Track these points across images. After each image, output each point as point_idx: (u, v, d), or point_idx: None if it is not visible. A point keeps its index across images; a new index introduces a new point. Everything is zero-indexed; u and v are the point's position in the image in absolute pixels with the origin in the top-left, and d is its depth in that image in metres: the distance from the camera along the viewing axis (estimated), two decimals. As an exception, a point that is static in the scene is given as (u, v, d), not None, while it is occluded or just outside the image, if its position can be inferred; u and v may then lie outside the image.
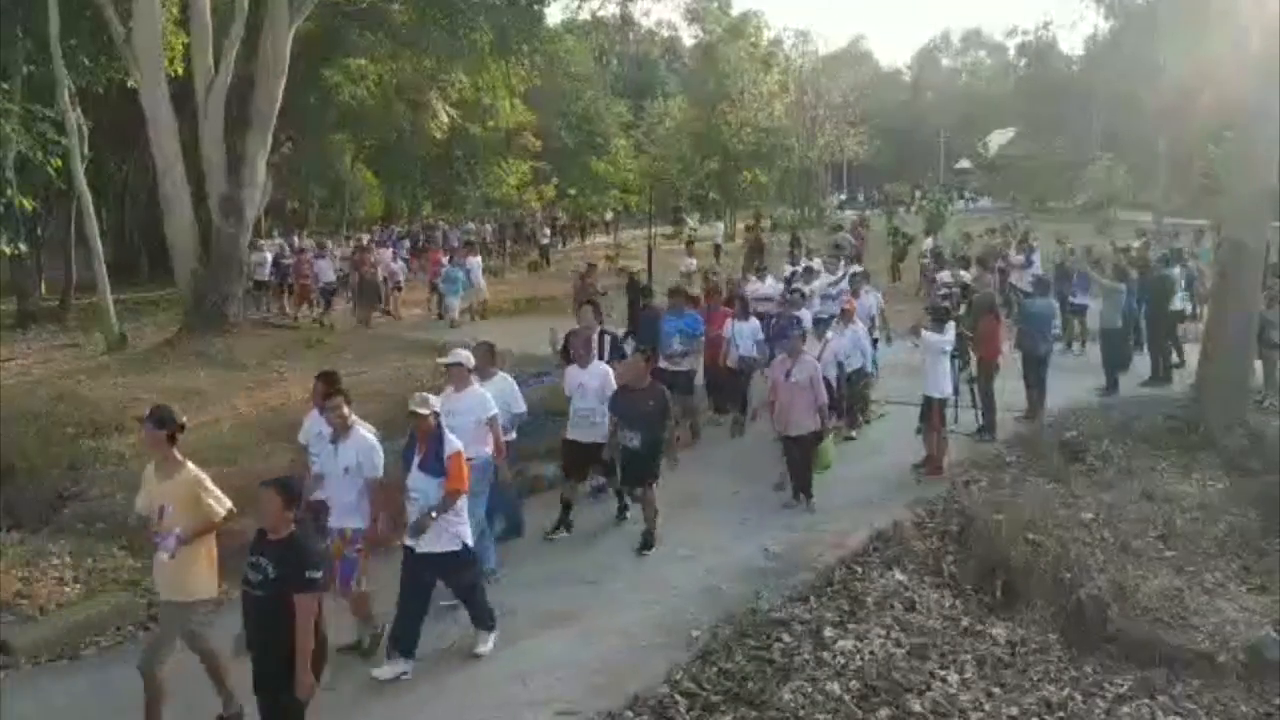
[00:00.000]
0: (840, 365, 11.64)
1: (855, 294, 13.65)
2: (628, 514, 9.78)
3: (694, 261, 17.55)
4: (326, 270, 23.76)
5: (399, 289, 24.48)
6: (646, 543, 9.08)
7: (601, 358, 10.22)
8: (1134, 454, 11.71)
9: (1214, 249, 16.13)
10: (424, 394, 7.36)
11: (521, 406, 9.00)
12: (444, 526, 6.79)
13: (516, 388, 9.08)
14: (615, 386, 9.40)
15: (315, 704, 5.54)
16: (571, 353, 10.11)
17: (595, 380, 9.56)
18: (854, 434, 12.35)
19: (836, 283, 15.22)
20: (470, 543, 7.04)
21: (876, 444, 12.32)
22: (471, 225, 38.24)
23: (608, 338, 10.67)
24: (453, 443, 6.92)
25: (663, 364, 11.65)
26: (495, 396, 8.42)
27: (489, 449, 8.14)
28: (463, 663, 7.08)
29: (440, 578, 7.02)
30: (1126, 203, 45.66)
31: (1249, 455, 11.54)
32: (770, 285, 15.87)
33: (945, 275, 18.61)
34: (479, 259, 24.34)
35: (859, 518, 9.79)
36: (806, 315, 13.12)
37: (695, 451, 11.88)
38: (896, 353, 14.45)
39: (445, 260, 23.87)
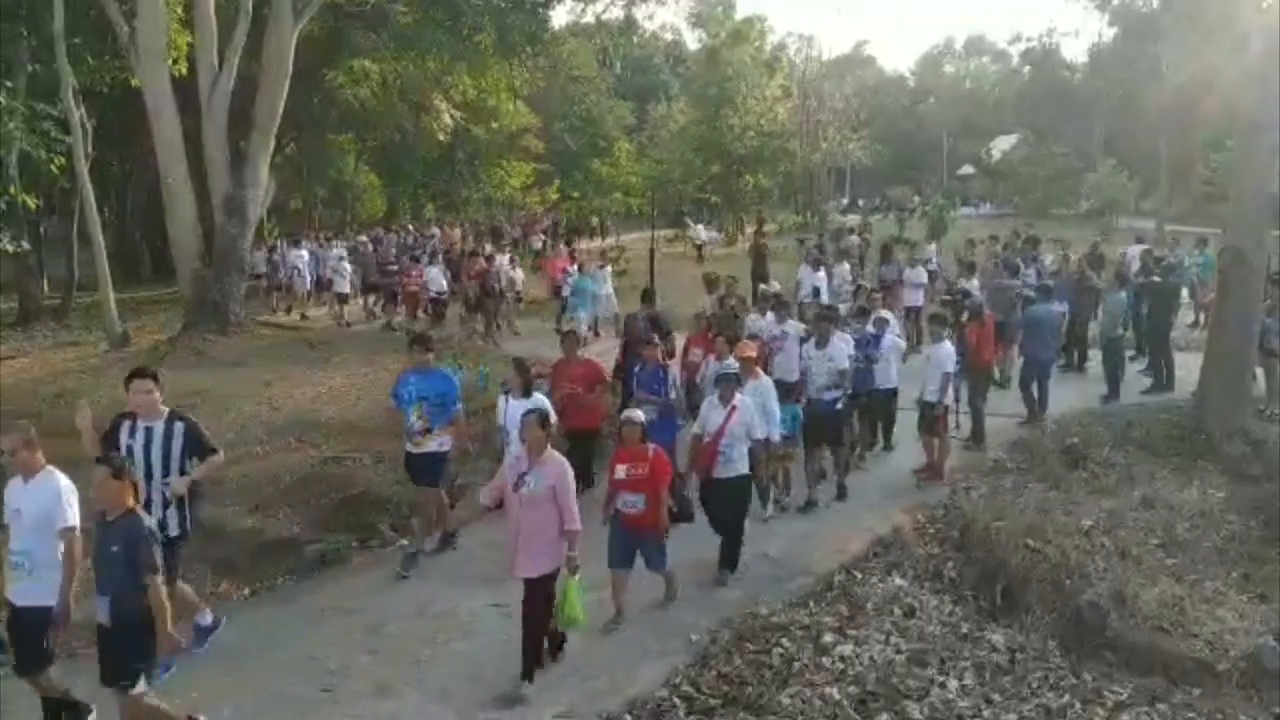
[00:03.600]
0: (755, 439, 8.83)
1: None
2: None
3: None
4: (438, 278, 21.29)
5: (519, 299, 21.98)
6: None
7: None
8: (1135, 461, 11.70)
9: (1216, 256, 16.10)
10: None
11: None
12: None
13: None
14: (72, 511, 5.98)
15: (315, 706, 5.55)
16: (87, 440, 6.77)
17: (38, 500, 5.94)
18: (767, 515, 9.84)
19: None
20: None
21: (876, 449, 12.31)
22: (436, 230, 34.23)
23: (142, 430, 6.82)
24: None
25: (407, 446, 9.01)
26: None
27: None
28: (462, 665, 7.07)
29: None
30: (1129, 209, 45.70)
31: (1250, 463, 11.54)
32: (792, 326, 12.09)
33: (916, 275, 18.74)
34: (609, 268, 21.43)
35: (859, 522, 9.80)
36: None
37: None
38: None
39: (572, 268, 21.18)
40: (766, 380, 9.57)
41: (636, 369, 10.34)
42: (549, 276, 23.05)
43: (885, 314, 12.38)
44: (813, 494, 10.29)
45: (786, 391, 10.38)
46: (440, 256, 22.97)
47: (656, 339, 10.96)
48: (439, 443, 8.87)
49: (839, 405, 10.39)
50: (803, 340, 11.53)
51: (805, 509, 10.14)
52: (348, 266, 22.82)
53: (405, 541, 9.49)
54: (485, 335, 19.80)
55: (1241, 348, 12.99)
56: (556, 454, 6.79)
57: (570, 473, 6.74)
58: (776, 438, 9.32)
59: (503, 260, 22.34)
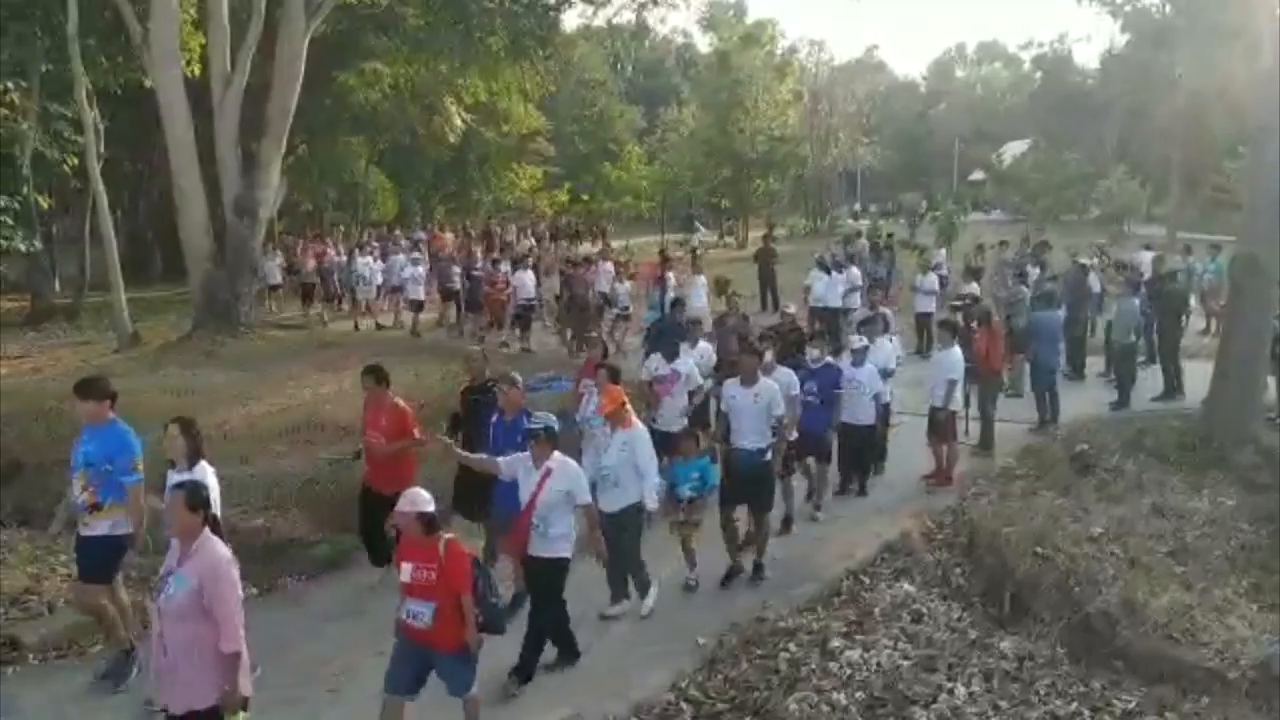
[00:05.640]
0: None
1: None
2: None
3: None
4: (527, 285, 19.40)
5: (626, 317, 19.05)
6: None
7: None
8: (1145, 468, 11.65)
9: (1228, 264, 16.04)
10: None
11: None
12: None
13: None
14: None
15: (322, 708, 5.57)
16: None
17: None
18: (610, 613, 7.93)
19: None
20: None
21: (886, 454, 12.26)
22: (422, 234, 32.16)
23: None
24: None
25: (79, 527, 6.90)
26: None
27: None
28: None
29: None
30: (1140, 216, 45.55)
31: (1260, 471, 11.49)
32: (684, 363, 10.48)
33: (929, 281, 18.81)
34: (703, 277, 19.13)
35: (867, 528, 9.78)
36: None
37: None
38: (905, 364, 14.39)
39: (669, 276, 19.16)
40: (640, 431, 7.78)
41: (493, 419, 8.24)
42: (645, 284, 20.55)
43: (862, 340, 10.97)
44: (736, 562, 8.68)
45: (667, 444, 8.83)
46: (527, 261, 21.39)
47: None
48: (111, 524, 6.73)
49: (766, 457, 8.63)
50: (709, 376, 10.33)
51: (727, 581, 8.61)
52: (421, 272, 21.52)
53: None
54: (572, 348, 17.71)
55: (1253, 355, 12.93)
56: (215, 545, 4.99)
57: (229, 570, 4.93)
58: (651, 504, 7.61)
59: (604, 267, 20.30)
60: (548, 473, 6.80)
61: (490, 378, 8.88)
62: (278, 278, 25.20)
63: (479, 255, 23.20)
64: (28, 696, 6.68)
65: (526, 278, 19.59)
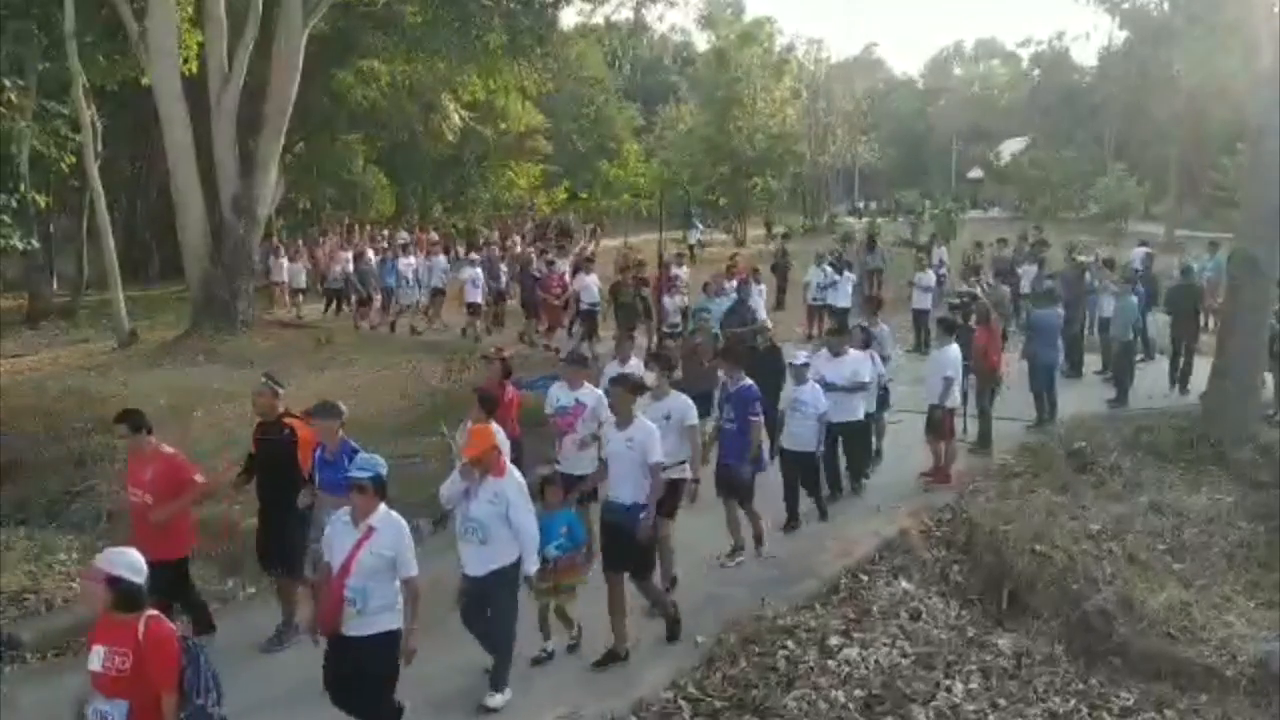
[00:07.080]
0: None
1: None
2: None
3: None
4: (591, 289, 18.43)
5: (676, 336, 16.38)
6: None
7: None
8: (1143, 466, 11.66)
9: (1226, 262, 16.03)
10: None
11: None
12: None
13: None
14: None
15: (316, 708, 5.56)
16: None
17: None
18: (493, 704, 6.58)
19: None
20: None
21: (883, 453, 12.28)
22: (406, 235, 30.74)
23: None
24: None
25: None
26: None
27: None
28: (463, 671, 7.06)
29: None
30: (1138, 214, 45.59)
31: (1258, 468, 11.50)
32: (590, 394, 8.72)
33: (927, 279, 18.86)
34: (762, 287, 17.63)
35: (866, 526, 9.79)
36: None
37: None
38: (902, 360, 14.39)
39: (729, 284, 16.68)
40: (513, 479, 6.49)
41: (317, 453, 7.26)
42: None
43: (805, 355, 10.32)
44: (619, 644, 7.15)
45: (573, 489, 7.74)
46: (590, 265, 20.10)
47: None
48: None
49: (643, 514, 7.01)
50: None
51: (603, 664, 7.09)
52: (479, 274, 20.55)
53: None
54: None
55: (1251, 353, 12.94)
56: None
57: None
58: (532, 568, 6.45)
59: (681, 274, 18.88)
60: (369, 532, 5.52)
61: (285, 413, 7.69)
62: (302, 281, 24.40)
63: (534, 257, 22.12)
64: (26, 695, 6.67)
65: (590, 281, 18.55)
